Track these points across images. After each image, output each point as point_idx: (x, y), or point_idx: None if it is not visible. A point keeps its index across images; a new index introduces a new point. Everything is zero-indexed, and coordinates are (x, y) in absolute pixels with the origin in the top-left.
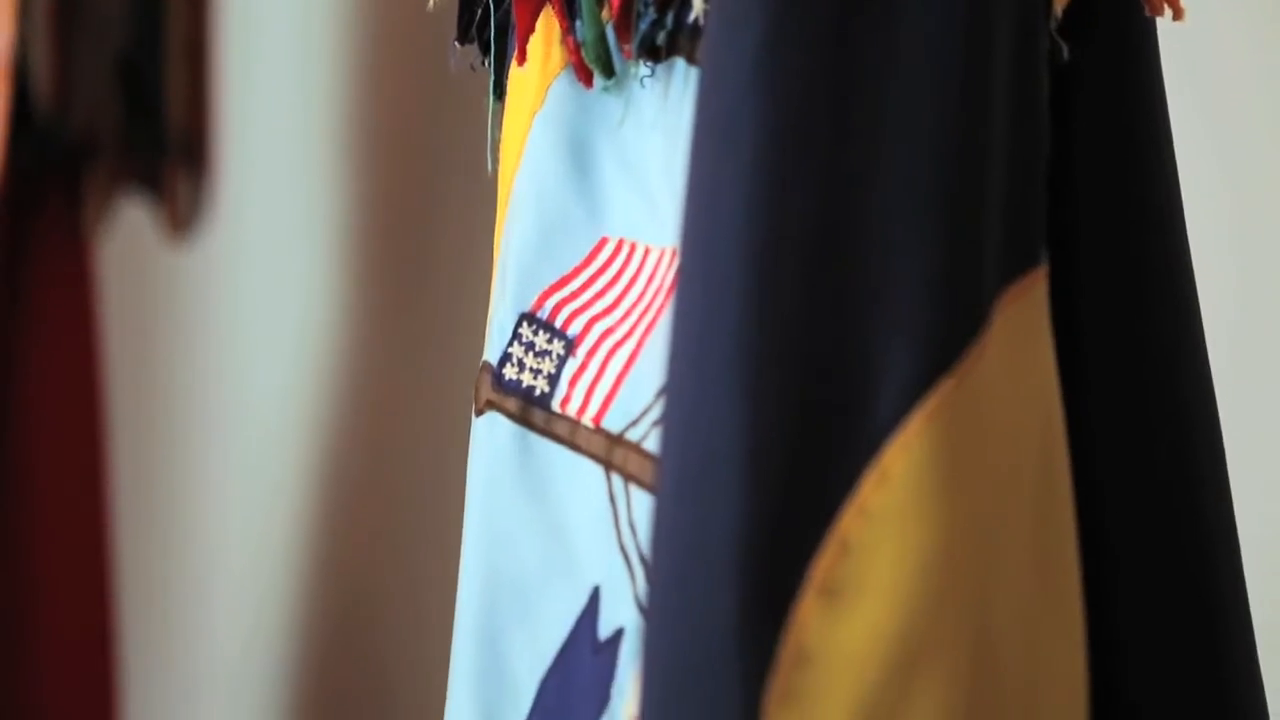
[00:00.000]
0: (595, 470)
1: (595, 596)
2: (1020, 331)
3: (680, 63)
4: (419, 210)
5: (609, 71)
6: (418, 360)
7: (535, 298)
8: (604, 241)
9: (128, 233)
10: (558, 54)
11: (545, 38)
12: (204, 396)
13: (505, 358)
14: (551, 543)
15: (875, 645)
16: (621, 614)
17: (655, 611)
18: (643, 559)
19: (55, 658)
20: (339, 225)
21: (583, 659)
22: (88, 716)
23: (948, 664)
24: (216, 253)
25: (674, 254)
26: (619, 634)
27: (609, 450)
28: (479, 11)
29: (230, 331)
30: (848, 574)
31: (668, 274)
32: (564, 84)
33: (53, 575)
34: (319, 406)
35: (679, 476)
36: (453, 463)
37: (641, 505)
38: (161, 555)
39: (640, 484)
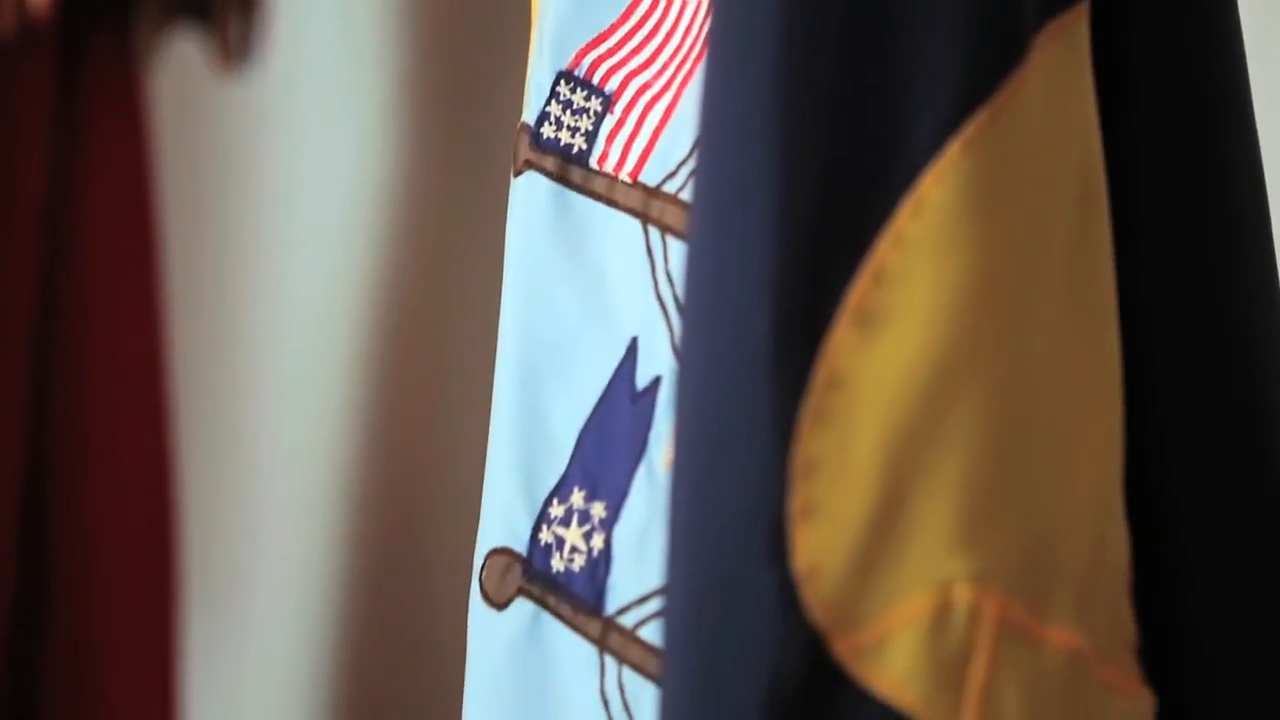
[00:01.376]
0: (633, 224)
1: (633, 347)
2: (1060, 67)
3: None
4: (476, 41)
5: None
6: (472, 190)
7: (572, 55)
8: None
9: (180, 65)
10: None
11: None
12: (255, 233)
13: (543, 116)
14: (589, 297)
15: (908, 372)
16: (659, 363)
17: (690, 340)
18: (680, 309)
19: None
20: (392, 57)
21: (621, 409)
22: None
23: (980, 392)
24: (269, 86)
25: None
26: (656, 382)
27: (646, 203)
28: None
29: (284, 166)
30: (882, 301)
31: (705, 22)
32: None
33: (106, 416)
34: (375, 238)
35: (716, 210)
36: None
37: (679, 256)
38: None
39: (677, 235)
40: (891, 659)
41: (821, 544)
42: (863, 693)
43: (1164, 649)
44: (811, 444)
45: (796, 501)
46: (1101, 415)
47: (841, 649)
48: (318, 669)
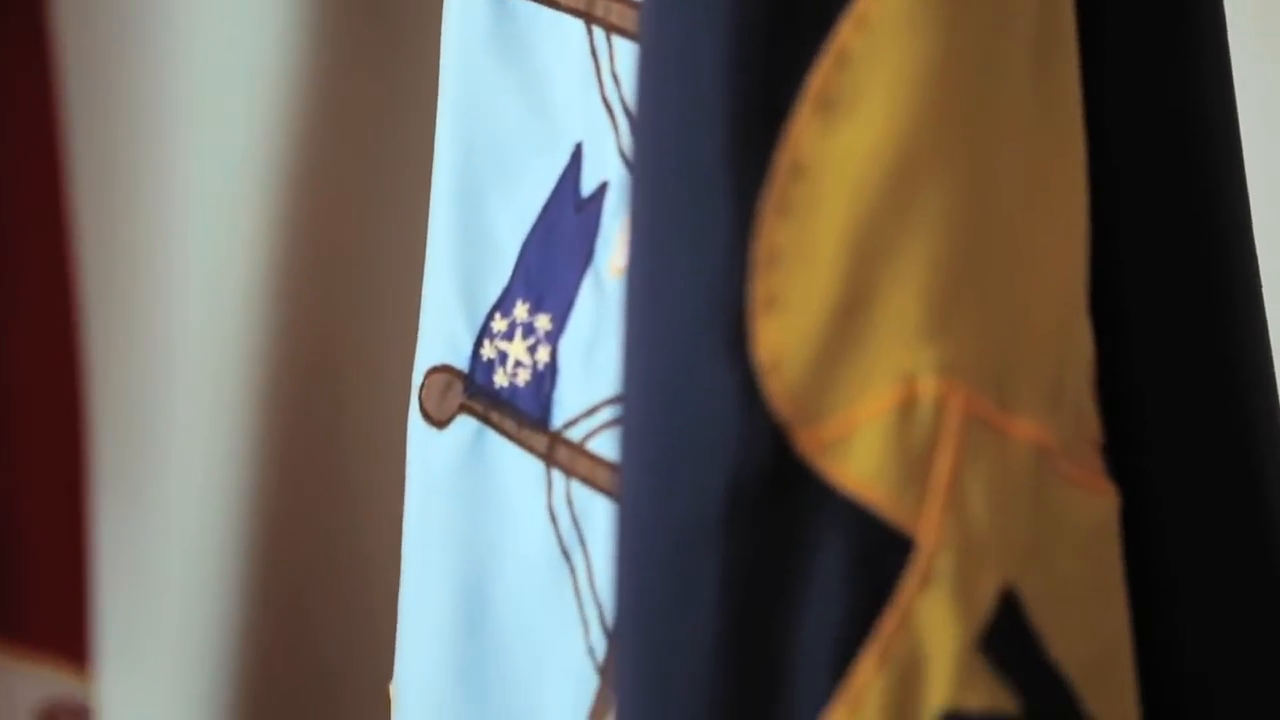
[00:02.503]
0: (575, 25)
1: (577, 154)
2: None
3: None
4: None
5: None
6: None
7: None
8: None
9: None
10: None
11: None
12: (161, 91)
13: None
14: (530, 105)
15: (872, 158)
16: (605, 168)
17: (643, 136)
18: (626, 110)
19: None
20: None
21: (566, 217)
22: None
23: (946, 180)
24: None
25: None
26: (602, 189)
27: (590, 2)
28: None
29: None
30: (845, 85)
31: None
32: None
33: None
34: (287, 89)
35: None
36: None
37: (625, 56)
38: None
39: (623, 34)
40: (856, 453)
41: (784, 335)
42: (826, 488)
43: (1153, 655)
44: (774, 234)
45: (758, 292)
46: (1068, 211)
47: (805, 444)
48: (234, 534)
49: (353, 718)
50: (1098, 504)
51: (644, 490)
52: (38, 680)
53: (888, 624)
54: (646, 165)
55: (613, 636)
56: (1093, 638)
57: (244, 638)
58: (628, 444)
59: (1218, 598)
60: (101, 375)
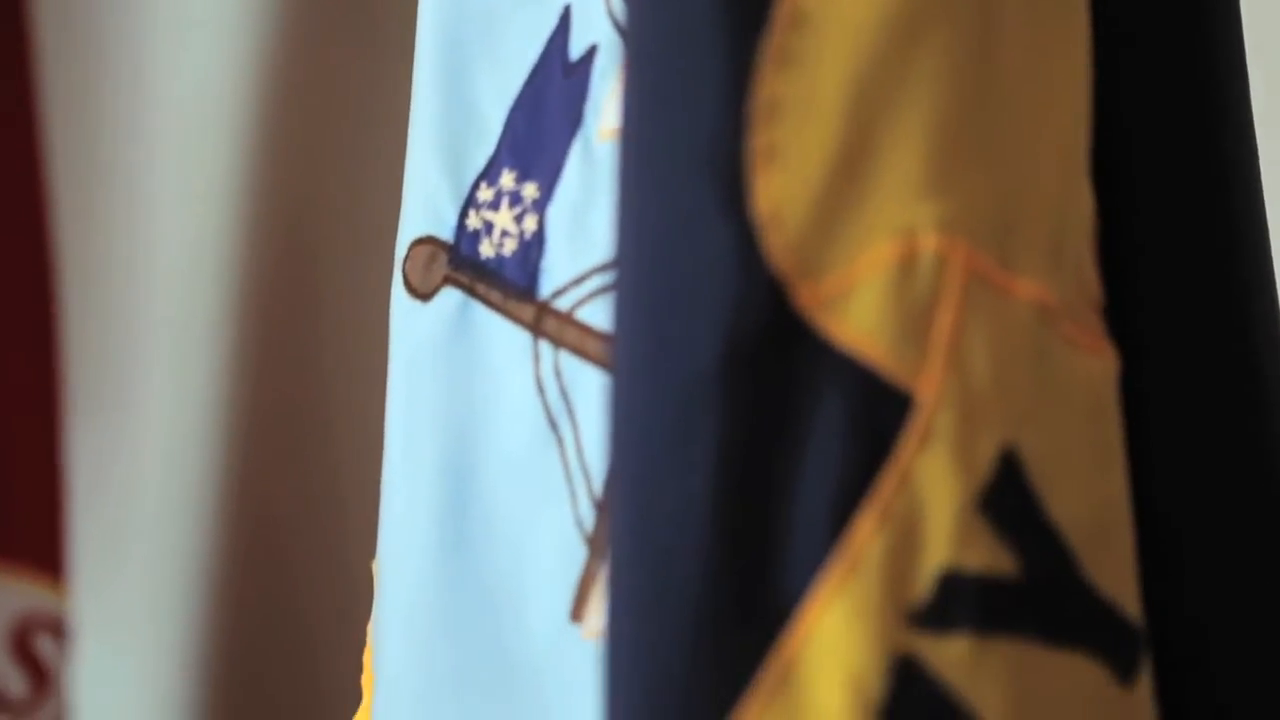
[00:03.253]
0: None
1: (565, 16)
2: None
3: None
4: None
5: None
6: None
7: None
8: None
9: None
10: None
11: None
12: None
13: None
14: None
15: (875, 7)
16: (593, 31)
17: (633, 4)
18: None
19: None
20: None
21: (553, 82)
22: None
23: (949, 31)
24: None
25: None
26: (591, 51)
27: None
28: None
29: None
30: None
31: None
32: None
33: None
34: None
35: None
36: None
37: None
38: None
39: None
40: (855, 309)
41: (784, 189)
42: (825, 345)
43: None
44: (774, 84)
45: (758, 145)
46: (1070, 74)
47: (804, 299)
48: (209, 447)
49: (328, 628)
50: (1098, 366)
51: (639, 348)
52: (13, 593)
53: (887, 483)
54: (640, 21)
55: (604, 502)
56: (1092, 501)
57: (218, 551)
58: (622, 302)
59: (1211, 481)
60: (75, 281)
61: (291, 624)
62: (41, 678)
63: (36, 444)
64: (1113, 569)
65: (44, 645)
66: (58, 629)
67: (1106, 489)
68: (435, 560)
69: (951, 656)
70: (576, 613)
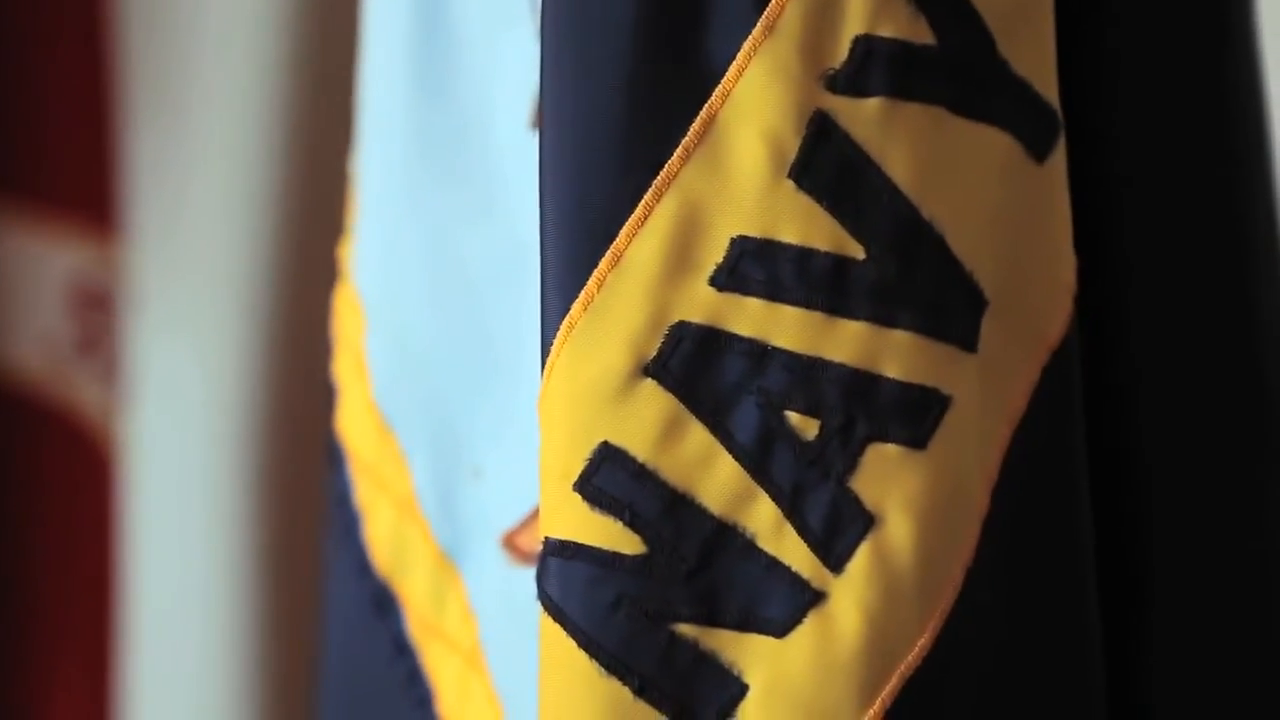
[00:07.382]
0: None
1: None
2: None
3: None
4: None
5: None
6: None
7: None
8: None
9: None
10: None
11: None
12: None
13: None
14: None
15: None
16: None
17: None
18: None
19: None
20: None
21: None
22: None
23: None
24: None
25: None
26: None
27: None
28: None
29: None
30: None
31: None
32: None
33: None
34: None
35: None
36: None
37: None
38: None
39: None
40: None
41: None
42: None
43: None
44: None
45: None
46: None
47: None
48: (266, 117)
49: None
50: None
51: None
52: (66, 252)
53: None
54: None
55: None
56: None
57: (274, 227)
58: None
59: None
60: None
61: None
62: (94, 334)
63: (88, 95)
64: (1030, 51)
65: (97, 304)
66: (110, 291)
67: None
68: (409, 89)
69: (864, 115)
70: (537, 121)
